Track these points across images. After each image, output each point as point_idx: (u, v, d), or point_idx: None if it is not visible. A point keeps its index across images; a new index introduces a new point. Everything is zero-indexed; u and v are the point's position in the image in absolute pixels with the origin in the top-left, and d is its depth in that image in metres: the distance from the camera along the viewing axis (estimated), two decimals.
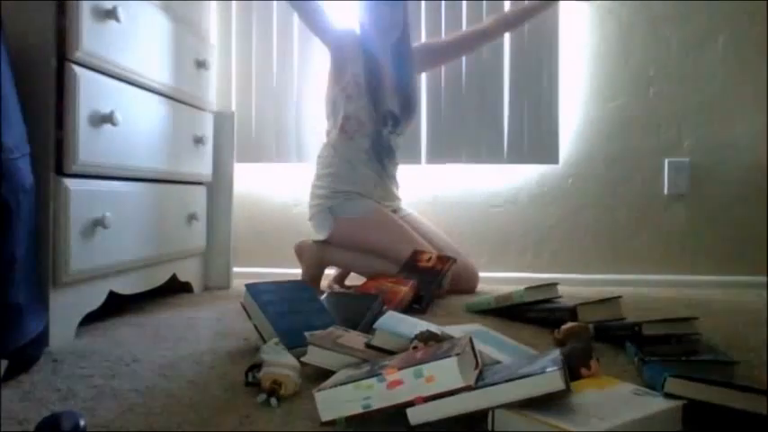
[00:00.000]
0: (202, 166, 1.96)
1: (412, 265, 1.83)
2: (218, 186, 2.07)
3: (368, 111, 1.99)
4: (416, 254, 1.86)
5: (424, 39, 2.32)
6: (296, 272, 2.13)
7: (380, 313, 1.39)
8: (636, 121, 2.35)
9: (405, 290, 1.63)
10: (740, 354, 1.17)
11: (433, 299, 1.74)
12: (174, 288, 1.88)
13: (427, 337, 0.97)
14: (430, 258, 1.83)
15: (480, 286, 2.06)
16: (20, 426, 0.83)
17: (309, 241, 2.06)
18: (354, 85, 1.98)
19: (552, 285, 1.58)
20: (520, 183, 2.38)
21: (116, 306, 1.60)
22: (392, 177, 2.13)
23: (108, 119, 1.36)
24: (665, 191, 2.34)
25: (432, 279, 1.76)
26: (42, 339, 1.14)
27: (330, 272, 2.12)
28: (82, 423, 0.74)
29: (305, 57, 2.37)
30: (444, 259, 1.83)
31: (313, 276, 2.02)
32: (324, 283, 2.07)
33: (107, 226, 1.36)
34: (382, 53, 2.03)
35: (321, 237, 1.98)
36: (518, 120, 2.32)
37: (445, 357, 0.76)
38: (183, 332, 1.40)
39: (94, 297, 1.40)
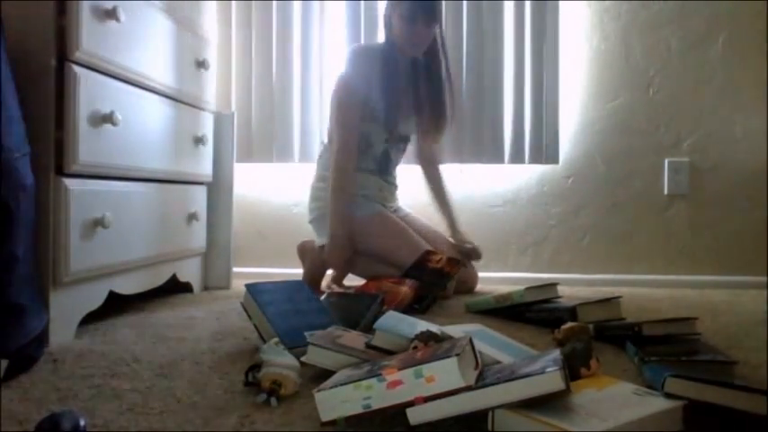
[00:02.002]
0: (202, 166, 1.96)
1: (421, 265, 1.81)
2: (218, 186, 2.07)
3: (379, 134, 1.97)
4: (428, 254, 1.84)
5: None
6: (296, 272, 2.13)
7: (380, 313, 1.39)
8: (636, 121, 2.35)
9: (405, 290, 1.63)
10: (740, 354, 1.18)
11: (436, 300, 1.74)
12: (174, 288, 1.88)
13: (427, 337, 0.97)
14: (440, 260, 1.83)
15: (480, 286, 2.06)
16: (20, 426, 0.83)
17: (312, 242, 2.06)
18: (371, 109, 1.94)
19: (552, 285, 1.58)
20: (520, 183, 2.38)
21: (116, 306, 1.61)
22: (393, 180, 2.13)
23: (108, 119, 1.36)
24: (665, 191, 2.34)
25: (437, 281, 1.76)
26: (42, 339, 1.14)
27: (329, 271, 2.12)
28: (82, 423, 0.74)
29: (305, 57, 2.37)
30: (453, 262, 1.83)
31: (314, 277, 2.02)
32: (323, 284, 2.06)
33: (107, 226, 1.36)
34: (407, 71, 1.96)
35: (323, 239, 1.96)
36: (518, 120, 2.32)
37: (445, 357, 0.76)
38: (183, 332, 1.40)
39: (94, 297, 1.40)
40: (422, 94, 1.99)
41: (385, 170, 2.05)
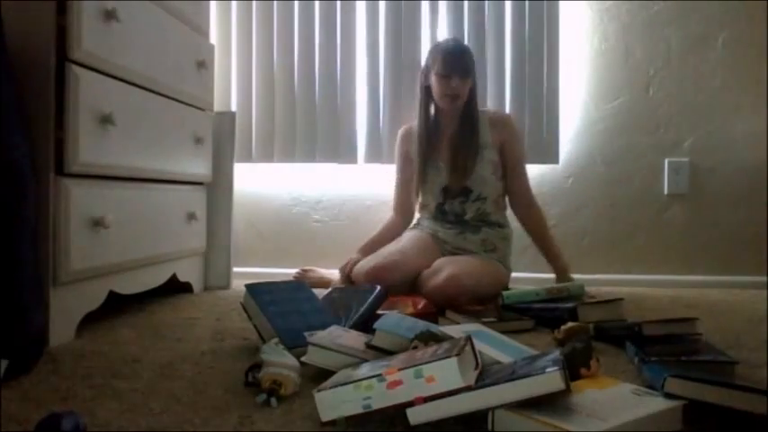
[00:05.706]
0: (202, 165, 1.96)
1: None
2: (218, 186, 2.07)
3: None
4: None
5: (423, 39, 2.33)
6: (295, 272, 2.13)
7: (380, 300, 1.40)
8: (636, 121, 2.35)
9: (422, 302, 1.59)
10: (740, 354, 1.18)
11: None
12: (174, 288, 1.88)
13: (427, 338, 0.97)
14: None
15: None
16: (20, 426, 0.83)
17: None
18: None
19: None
20: None
21: (116, 306, 1.61)
22: None
23: (108, 119, 1.35)
24: (665, 191, 2.34)
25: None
26: (42, 339, 1.15)
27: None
28: (82, 423, 0.74)
29: (305, 56, 2.37)
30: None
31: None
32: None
33: (107, 226, 1.36)
34: (445, 130, 2.03)
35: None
36: (518, 120, 2.31)
37: (445, 357, 0.76)
38: (183, 332, 1.40)
39: (94, 297, 1.40)
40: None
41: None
